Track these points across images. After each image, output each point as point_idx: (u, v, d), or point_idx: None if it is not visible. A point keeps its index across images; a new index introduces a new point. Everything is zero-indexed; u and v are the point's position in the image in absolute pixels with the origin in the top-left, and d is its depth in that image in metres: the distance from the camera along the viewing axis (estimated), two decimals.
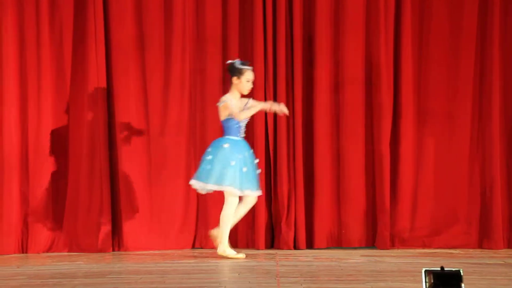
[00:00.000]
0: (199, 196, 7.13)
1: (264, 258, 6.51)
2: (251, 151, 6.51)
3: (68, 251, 6.98)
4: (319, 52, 7.10)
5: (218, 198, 7.13)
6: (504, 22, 7.15)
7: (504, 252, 6.91)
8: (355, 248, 7.07)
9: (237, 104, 6.44)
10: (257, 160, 6.52)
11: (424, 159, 7.15)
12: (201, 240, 7.15)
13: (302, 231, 7.03)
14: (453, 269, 3.69)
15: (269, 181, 7.10)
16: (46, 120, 7.02)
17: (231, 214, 6.39)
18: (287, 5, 7.10)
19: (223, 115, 6.46)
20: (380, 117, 7.08)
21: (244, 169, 6.35)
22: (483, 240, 7.09)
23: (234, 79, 6.47)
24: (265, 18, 7.09)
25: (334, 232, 7.14)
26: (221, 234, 6.40)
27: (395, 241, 7.10)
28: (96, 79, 6.99)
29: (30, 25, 7.00)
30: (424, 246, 7.09)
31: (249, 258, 6.43)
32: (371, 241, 7.11)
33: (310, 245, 7.06)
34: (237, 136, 6.44)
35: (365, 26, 7.15)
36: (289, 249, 6.98)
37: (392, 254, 6.70)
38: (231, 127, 6.43)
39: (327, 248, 7.05)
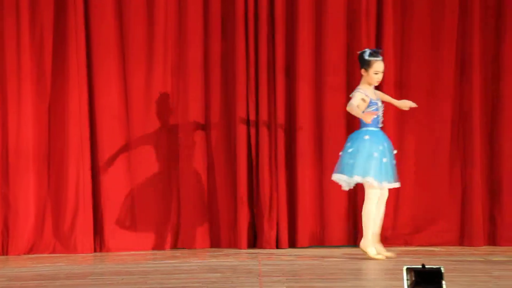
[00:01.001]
0: (180, 196, 7.11)
1: (246, 257, 6.51)
2: (390, 142, 6.36)
3: (49, 253, 6.95)
4: (301, 51, 7.09)
5: (199, 198, 7.12)
6: (484, 21, 7.17)
7: (484, 249, 6.95)
8: (337, 246, 7.08)
9: (360, 97, 6.20)
10: (395, 151, 6.37)
11: (404, 158, 7.15)
12: (183, 240, 7.13)
13: (285, 230, 7.03)
14: (434, 267, 3.70)
15: (251, 180, 7.09)
16: (26, 123, 6.95)
17: (373, 207, 6.20)
18: (268, 7, 7.08)
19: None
20: None
21: (384, 160, 6.20)
22: (464, 238, 7.12)
23: (363, 71, 6.25)
24: (247, 20, 7.07)
25: (316, 231, 7.14)
26: (364, 229, 6.19)
27: None
28: (77, 81, 6.95)
29: (9, 27, 6.93)
30: (405, 244, 7.11)
31: (231, 257, 6.43)
32: (353, 240, 7.12)
33: (292, 244, 7.06)
34: (375, 127, 6.29)
35: (346, 25, 7.15)
36: (271, 248, 6.97)
37: None
38: None
39: (310, 247, 7.05)
